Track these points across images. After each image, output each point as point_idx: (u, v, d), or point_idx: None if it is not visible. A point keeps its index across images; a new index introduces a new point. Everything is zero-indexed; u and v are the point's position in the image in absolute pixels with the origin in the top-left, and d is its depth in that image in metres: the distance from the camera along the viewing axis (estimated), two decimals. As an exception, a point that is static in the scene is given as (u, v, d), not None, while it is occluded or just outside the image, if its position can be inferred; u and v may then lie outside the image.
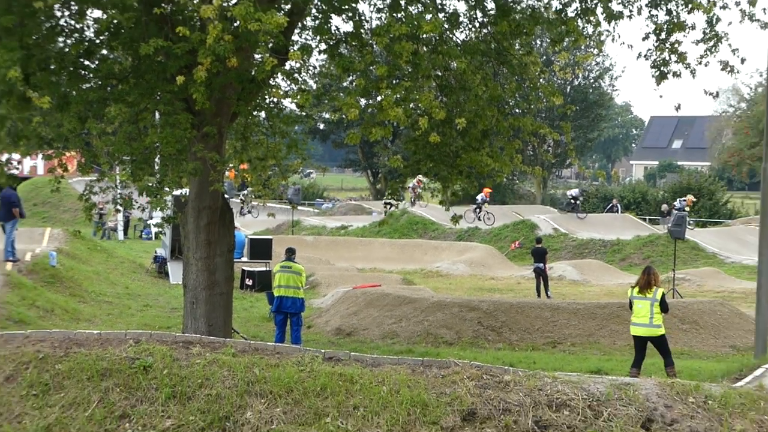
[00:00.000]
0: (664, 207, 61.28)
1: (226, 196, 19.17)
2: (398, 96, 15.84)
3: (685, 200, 53.19)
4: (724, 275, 38.64)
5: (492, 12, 18.20)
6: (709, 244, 46.37)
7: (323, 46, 17.93)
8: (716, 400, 10.47)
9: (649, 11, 18.38)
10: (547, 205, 69.88)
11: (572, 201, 56.42)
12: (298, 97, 16.70)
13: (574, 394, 9.92)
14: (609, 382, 10.54)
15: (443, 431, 9.26)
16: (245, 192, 45.33)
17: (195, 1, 15.54)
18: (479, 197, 52.71)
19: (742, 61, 18.40)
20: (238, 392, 10.46)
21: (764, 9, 18.18)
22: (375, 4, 18.51)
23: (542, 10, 18.75)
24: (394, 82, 16.17)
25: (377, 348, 21.51)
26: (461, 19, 18.22)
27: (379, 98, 16.21)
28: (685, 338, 23.18)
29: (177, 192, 22.35)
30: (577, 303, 25.72)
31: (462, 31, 18.49)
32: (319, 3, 17.52)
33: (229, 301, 19.32)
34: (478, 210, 53.16)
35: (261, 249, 32.47)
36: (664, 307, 17.08)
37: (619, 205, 63.46)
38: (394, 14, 16.69)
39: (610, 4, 18.11)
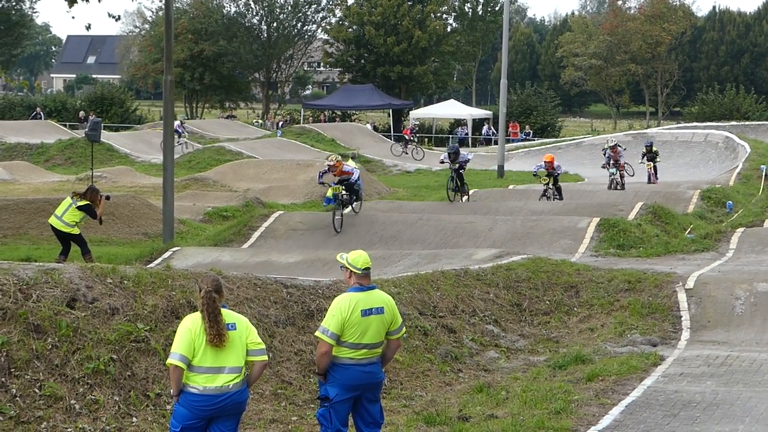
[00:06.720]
0: (82, 114, 60.35)
1: None
2: None
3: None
4: (135, 173, 38.81)
5: None
6: (122, 146, 46.15)
7: None
8: (131, 280, 10.46)
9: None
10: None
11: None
12: None
13: (6, 280, 9.54)
14: (37, 268, 10.20)
15: None
16: None
17: None
18: None
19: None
20: None
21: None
22: None
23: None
24: None
25: None
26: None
27: None
28: (103, 228, 22.80)
29: None
30: (7, 199, 24.66)
31: None
32: None
33: None
34: None
35: None
36: (89, 213, 17.49)
37: (42, 113, 61.36)
38: None
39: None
